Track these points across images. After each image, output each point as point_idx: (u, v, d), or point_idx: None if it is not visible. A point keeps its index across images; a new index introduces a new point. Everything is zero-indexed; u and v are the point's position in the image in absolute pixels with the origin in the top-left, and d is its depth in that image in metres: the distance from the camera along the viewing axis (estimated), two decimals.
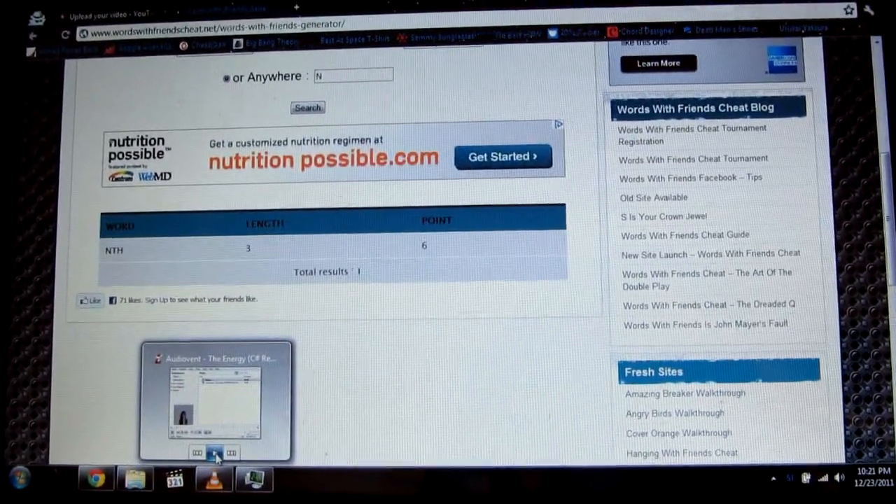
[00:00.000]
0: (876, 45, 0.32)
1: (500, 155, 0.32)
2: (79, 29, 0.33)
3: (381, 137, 0.32)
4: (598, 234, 0.31)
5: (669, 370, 0.31)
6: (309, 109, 0.32)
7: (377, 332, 0.31)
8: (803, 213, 0.31)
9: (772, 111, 0.32)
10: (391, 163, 0.32)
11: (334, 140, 0.32)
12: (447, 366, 0.31)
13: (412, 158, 0.32)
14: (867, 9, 0.32)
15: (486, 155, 0.32)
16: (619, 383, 0.31)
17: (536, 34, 0.32)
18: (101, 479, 0.31)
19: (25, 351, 0.32)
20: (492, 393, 0.31)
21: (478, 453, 0.31)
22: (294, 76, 0.33)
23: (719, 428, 0.31)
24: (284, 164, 0.32)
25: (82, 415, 0.31)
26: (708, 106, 0.32)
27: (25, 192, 0.32)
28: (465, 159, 0.32)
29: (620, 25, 0.32)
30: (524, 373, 0.31)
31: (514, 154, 0.32)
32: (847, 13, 0.32)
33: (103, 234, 0.32)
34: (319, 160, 0.32)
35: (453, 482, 0.31)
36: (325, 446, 0.31)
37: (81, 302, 0.32)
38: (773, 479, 0.31)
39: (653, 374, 0.31)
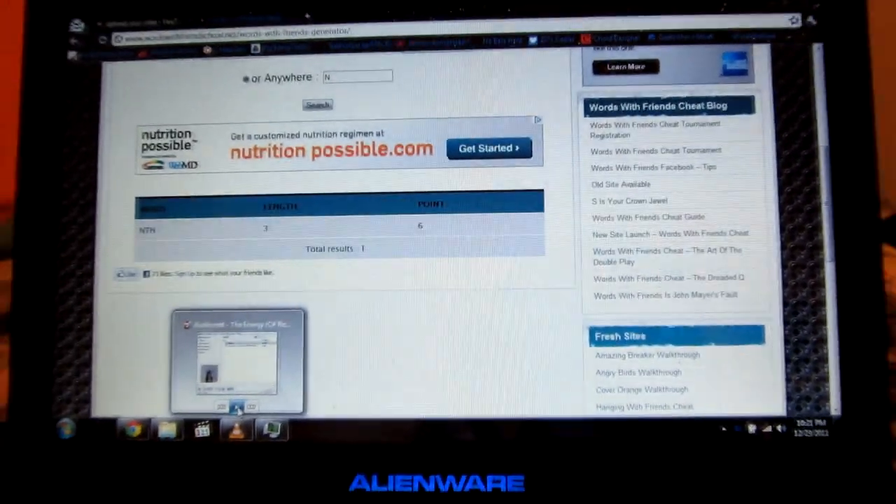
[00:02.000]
0: (817, 52, 0.35)
1: (486, 146, 0.35)
2: (114, 35, 0.37)
3: (383, 131, 0.36)
4: (572, 216, 0.35)
5: (633, 335, 0.35)
6: (319, 106, 0.36)
7: (379, 302, 0.35)
8: (751, 199, 0.35)
9: (725, 109, 0.35)
10: (391, 153, 0.36)
11: (341, 133, 0.36)
12: (440, 331, 0.35)
13: (409, 150, 0.36)
14: (810, 19, 0.36)
15: (474, 146, 0.35)
16: (590, 346, 0.35)
17: (519, 41, 0.36)
18: (138, 430, 0.35)
19: (70, 318, 0.35)
20: (478, 354, 0.35)
21: (466, 406, 0.34)
22: (305, 77, 0.36)
23: (677, 385, 0.34)
24: (297, 155, 0.36)
25: (120, 374, 0.35)
26: (669, 104, 0.35)
27: (69, 179, 0.36)
28: (455, 150, 0.36)
29: (593, 33, 0.36)
30: (507, 337, 0.35)
31: (498, 146, 0.35)
32: (792, 23, 0.36)
33: (138, 216, 0.36)
34: (328, 151, 0.36)
35: (443, 431, 0.34)
36: (333, 400, 0.35)
37: (119, 275, 0.36)
38: (724, 429, 0.34)
39: (619, 338, 0.35)
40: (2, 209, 0.64)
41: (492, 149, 0.36)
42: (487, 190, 0.35)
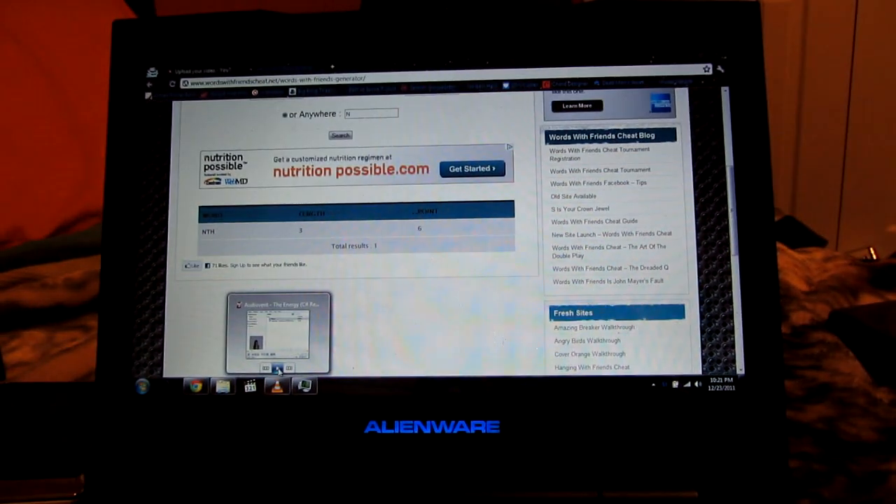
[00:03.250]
0: (725, 93, 0.44)
1: (470, 167, 0.44)
2: (182, 80, 0.46)
3: (391, 155, 0.45)
4: (536, 220, 0.44)
5: (584, 311, 0.43)
6: (341, 136, 0.45)
7: (389, 286, 0.44)
8: (674, 207, 0.44)
9: (653, 138, 0.44)
10: (397, 172, 0.45)
11: (358, 157, 0.45)
12: (435, 308, 0.44)
13: (411, 169, 0.45)
14: (719, 68, 0.45)
15: (461, 167, 0.45)
16: (550, 320, 0.43)
17: (495, 86, 0.45)
18: (199, 387, 0.44)
19: (147, 300, 0.44)
20: (464, 326, 0.43)
21: (454, 367, 0.43)
22: (331, 113, 0.46)
23: (617, 350, 0.43)
24: (325, 174, 0.45)
25: (186, 343, 0.44)
26: (610, 134, 0.44)
27: (146, 192, 0.45)
28: (447, 170, 0.45)
29: (552, 80, 0.45)
30: (485, 313, 0.43)
31: (479, 166, 0.44)
32: (705, 71, 0.45)
33: (200, 221, 0.45)
34: (349, 171, 0.45)
35: (438, 386, 0.43)
36: (352, 362, 0.43)
37: (185, 266, 0.45)
38: (653, 385, 0.42)
39: (572, 314, 0.43)
40: (93, 215, 0.74)
41: (474, 169, 0.45)
42: (471, 200, 0.45)
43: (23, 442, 0.47)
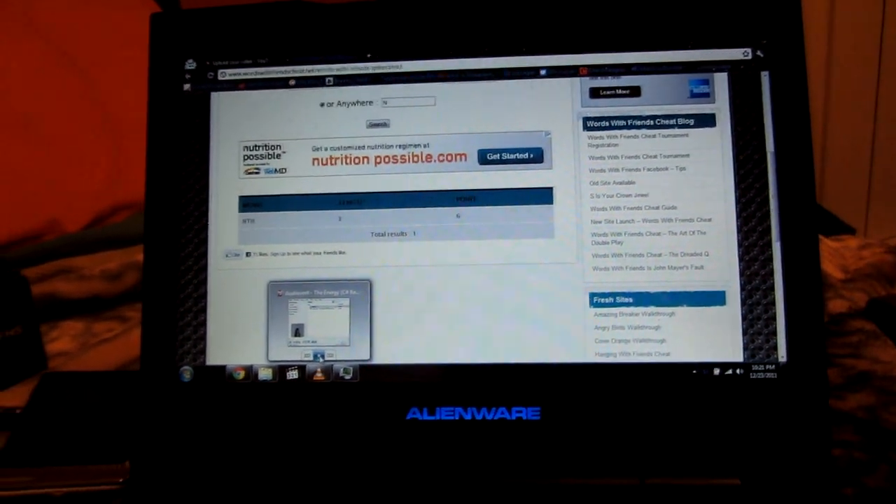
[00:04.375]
0: (765, 78, 0.44)
1: (508, 154, 0.45)
2: (219, 71, 0.47)
3: (428, 143, 0.45)
4: (575, 207, 0.44)
5: (623, 298, 0.43)
6: (379, 125, 0.46)
7: (428, 274, 0.44)
8: (714, 192, 0.43)
9: (692, 123, 0.44)
10: (435, 160, 0.45)
11: (396, 146, 0.45)
12: (475, 296, 0.44)
13: (449, 157, 0.45)
14: (759, 53, 0.45)
15: (499, 154, 0.45)
16: (590, 307, 0.43)
17: (532, 73, 0.45)
18: (242, 374, 0.44)
19: (189, 288, 0.45)
20: (505, 313, 0.43)
21: (493, 354, 0.43)
22: (368, 103, 0.46)
23: (657, 337, 0.43)
24: (363, 162, 0.45)
25: (228, 331, 0.45)
26: (649, 120, 0.44)
27: (187, 182, 0.46)
28: (484, 157, 0.45)
29: (589, 66, 0.45)
30: (525, 301, 0.44)
31: (517, 154, 0.45)
32: (745, 56, 0.45)
33: (241, 210, 0.45)
34: (387, 159, 0.45)
35: (479, 373, 0.43)
36: (393, 349, 0.44)
37: (227, 255, 0.45)
38: (694, 372, 0.42)
39: (612, 301, 0.43)
40: (125, 207, 0.75)
41: (512, 156, 0.45)
42: (509, 188, 0.45)
43: (69, 429, 0.48)
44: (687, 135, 0.45)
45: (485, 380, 0.44)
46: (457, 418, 0.43)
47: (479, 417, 0.43)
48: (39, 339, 0.58)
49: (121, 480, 0.43)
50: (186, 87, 0.47)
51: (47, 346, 0.61)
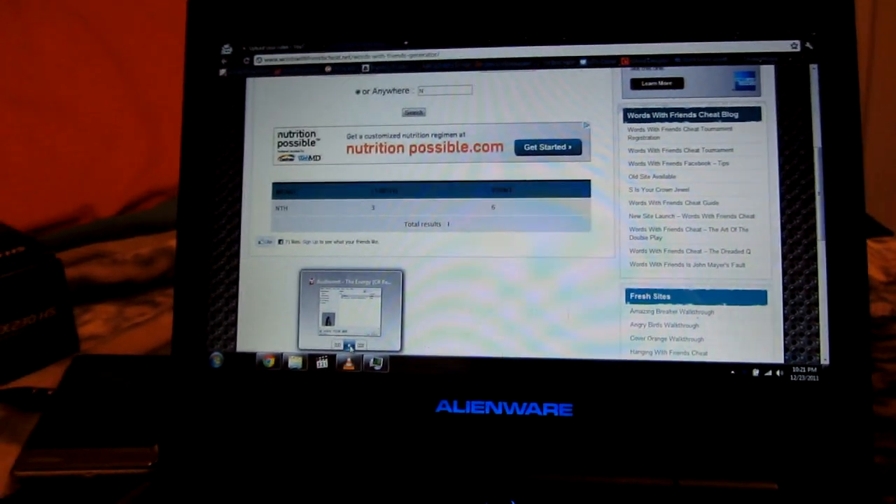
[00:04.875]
0: (813, 71, 0.43)
1: (545, 145, 0.44)
2: (255, 56, 0.46)
3: (464, 133, 0.44)
4: (613, 201, 0.43)
5: (661, 295, 0.42)
6: (414, 113, 0.45)
7: (461, 265, 0.43)
8: (758, 189, 0.42)
9: (736, 117, 0.43)
10: (471, 150, 0.44)
11: (432, 134, 0.45)
12: (507, 290, 0.43)
13: (485, 147, 0.44)
14: (808, 45, 0.43)
15: (536, 145, 0.44)
16: (626, 303, 0.42)
17: (572, 62, 0.44)
18: (272, 361, 0.44)
19: (221, 275, 0.45)
20: (538, 309, 0.43)
21: (526, 349, 0.43)
22: (404, 90, 0.45)
23: (695, 336, 0.42)
24: (398, 151, 0.45)
25: (259, 317, 0.44)
26: (691, 113, 0.43)
27: (221, 168, 0.45)
28: (521, 148, 0.44)
29: (631, 56, 0.44)
30: (559, 295, 0.43)
31: (555, 145, 0.44)
32: (793, 48, 0.43)
33: (274, 197, 0.45)
34: (422, 148, 0.45)
35: (510, 368, 0.42)
36: (424, 341, 0.43)
37: (259, 242, 0.45)
38: (732, 372, 0.41)
39: (649, 297, 0.42)
40: (158, 194, 0.75)
41: (550, 147, 0.44)
42: (546, 179, 0.44)
43: (99, 411, 0.48)
44: (731, 128, 0.43)
45: (516, 374, 0.43)
46: (487, 412, 0.43)
47: (509, 412, 0.43)
48: (72, 322, 0.59)
49: (149, 464, 0.43)
50: (222, 72, 0.47)
51: (80, 328, 0.61)
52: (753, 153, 0.43)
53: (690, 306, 0.43)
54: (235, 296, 0.45)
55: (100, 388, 0.51)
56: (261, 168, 0.46)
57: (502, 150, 0.45)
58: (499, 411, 0.43)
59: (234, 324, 0.45)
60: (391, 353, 0.44)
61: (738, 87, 0.44)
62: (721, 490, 0.40)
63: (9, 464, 0.44)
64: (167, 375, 0.45)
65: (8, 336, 0.54)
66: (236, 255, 0.45)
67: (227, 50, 0.47)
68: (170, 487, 0.42)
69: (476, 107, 0.45)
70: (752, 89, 0.44)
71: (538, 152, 0.44)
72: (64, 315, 0.57)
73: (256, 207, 0.45)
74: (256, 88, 0.46)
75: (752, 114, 0.43)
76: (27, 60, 0.84)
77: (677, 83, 0.44)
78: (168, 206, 0.84)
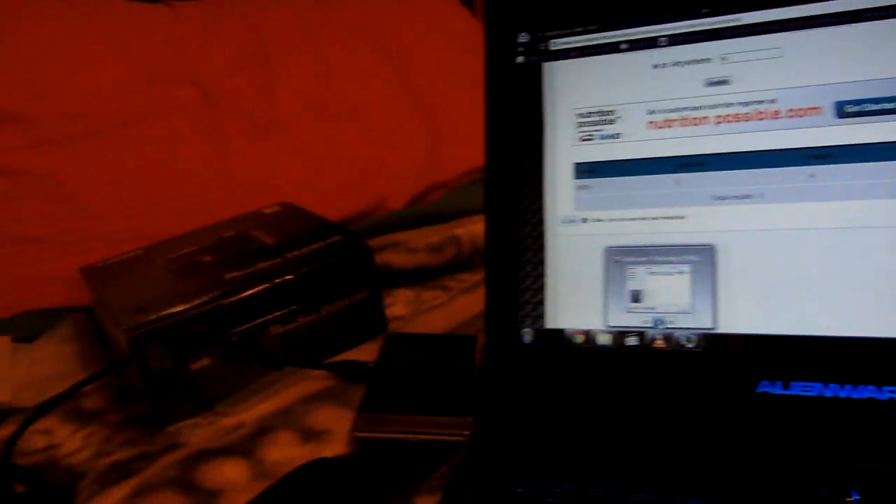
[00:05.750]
0: None
1: (873, 105, 0.40)
2: (551, 41, 0.47)
3: (775, 99, 0.42)
4: None
5: None
6: (718, 83, 0.43)
7: (777, 239, 0.41)
8: None
9: None
10: (783, 116, 0.42)
11: (738, 103, 0.43)
12: (830, 263, 0.40)
13: (800, 112, 0.42)
14: None
15: (861, 106, 0.40)
16: None
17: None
18: (581, 338, 0.45)
19: (528, 254, 0.47)
20: (866, 283, 0.39)
21: (856, 328, 0.39)
22: (705, 60, 0.44)
23: None
24: (701, 123, 0.43)
25: (565, 295, 0.46)
26: None
27: (522, 152, 0.47)
28: (842, 110, 0.41)
29: None
30: (892, 269, 0.39)
31: (884, 104, 0.40)
32: None
33: (576, 177, 0.46)
34: (728, 118, 0.43)
35: (841, 346, 0.40)
36: (739, 319, 0.42)
37: (563, 222, 0.46)
38: None
39: None
40: (440, 186, 0.81)
41: (877, 107, 0.40)
42: (874, 142, 0.40)
43: (414, 382, 0.52)
44: None
45: (848, 354, 0.40)
46: (815, 394, 0.40)
47: (842, 395, 0.40)
48: (381, 304, 0.64)
49: (467, 433, 0.46)
50: (520, 59, 0.48)
51: (384, 311, 0.67)
52: None
53: None
54: (542, 275, 0.46)
55: (413, 361, 0.55)
56: (561, 149, 0.47)
57: (820, 113, 0.42)
58: (829, 394, 0.40)
59: (542, 301, 0.46)
60: (704, 331, 0.43)
61: None
62: None
63: (344, 426, 0.50)
64: (471, 351, 0.48)
65: (329, 316, 0.61)
66: (541, 235, 0.47)
67: (522, 37, 0.48)
68: (486, 455, 0.45)
69: (786, 70, 0.42)
70: None
71: (863, 113, 0.41)
72: (374, 297, 0.63)
73: (559, 188, 0.47)
74: (553, 72, 0.48)
75: None
76: (323, 72, 0.94)
77: None
78: (450, 196, 0.89)
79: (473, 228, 0.77)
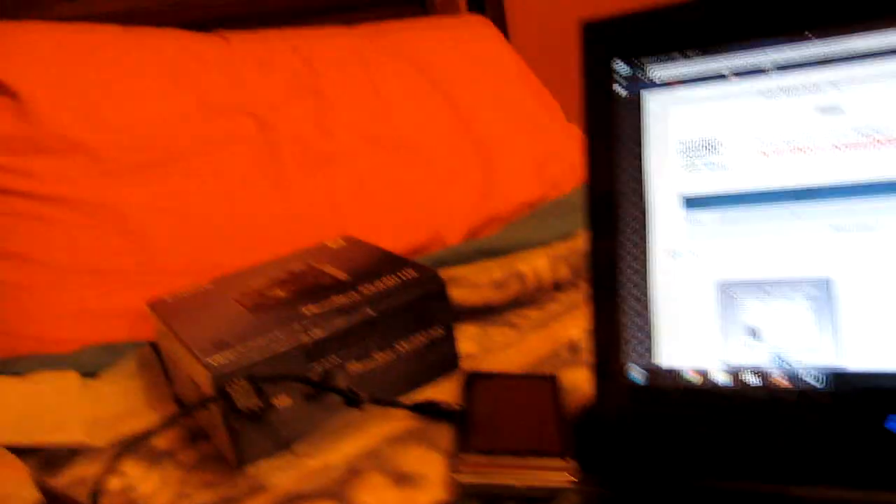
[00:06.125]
0: None
1: None
2: (648, 68, 0.46)
3: (891, 125, 0.41)
4: None
5: None
6: (830, 111, 0.42)
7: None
8: None
9: None
10: None
11: (853, 131, 0.41)
12: None
13: None
14: None
15: None
16: None
17: None
18: (697, 378, 0.43)
19: (631, 288, 0.45)
20: None
21: None
22: (815, 87, 0.43)
23: None
24: (814, 152, 0.42)
25: (674, 330, 0.44)
26: None
27: (621, 180, 0.46)
28: None
29: None
30: None
31: None
32: None
33: (683, 208, 0.45)
34: (843, 147, 0.41)
35: None
36: (864, 354, 0.40)
37: (669, 254, 0.44)
38: None
39: None
40: (495, 220, 0.79)
41: None
42: None
43: (505, 422, 0.50)
44: None
45: None
46: None
47: None
48: (454, 340, 0.63)
49: (572, 478, 0.44)
50: (616, 87, 0.47)
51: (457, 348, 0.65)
52: None
53: None
54: (646, 308, 0.45)
55: (498, 402, 0.53)
56: (665, 180, 0.46)
57: None
58: None
59: (648, 336, 0.44)
60: (827, 367, 0.41)
61: None
62: None
63: (435, 468, 0.48)
64: (556, 391, 0.46)
65: (404, 352, 0.59)
66: (644, 267, 0.45)
67: (618, 66, 0.47)
68: (593, 500, 0.43)
69: None
70: None
71: None
72: (449, 334, 0.62)
73: (663, 219, 0.45)
74: (653, 101, 0.46)
75: None
76: (378, 106, 0.93)
77: None
78: (506, 230, 0.88)
79: (537, 264, 0.76)
